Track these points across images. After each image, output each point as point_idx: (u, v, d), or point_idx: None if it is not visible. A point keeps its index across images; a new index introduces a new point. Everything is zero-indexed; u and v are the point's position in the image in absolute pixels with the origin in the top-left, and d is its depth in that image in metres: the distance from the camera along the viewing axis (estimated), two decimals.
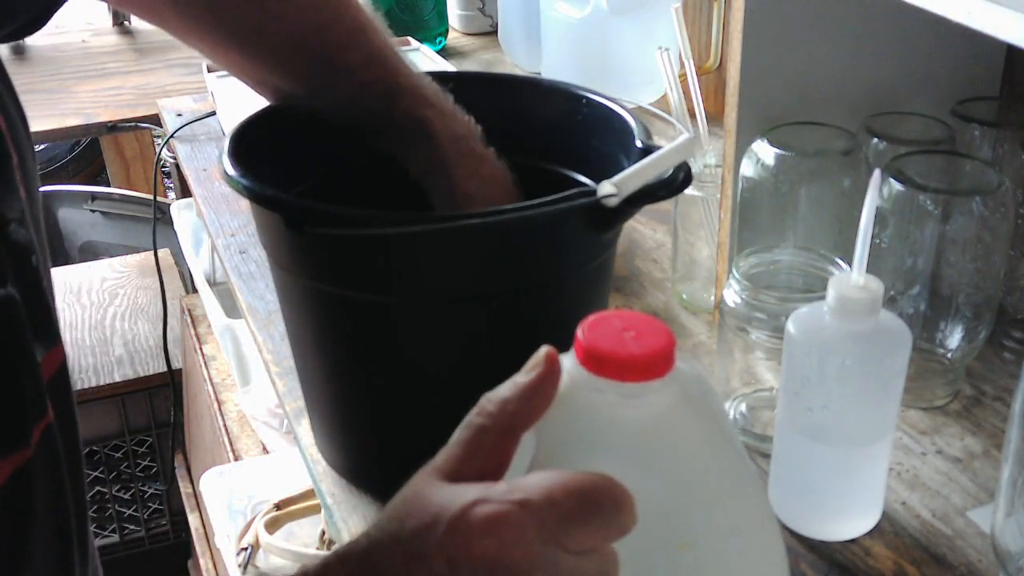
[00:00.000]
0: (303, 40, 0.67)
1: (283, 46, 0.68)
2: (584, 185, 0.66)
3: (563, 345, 0.45)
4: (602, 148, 0.71)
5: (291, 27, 0.67)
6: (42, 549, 0.45)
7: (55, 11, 0.60)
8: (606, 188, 0.57)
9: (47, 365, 0.46)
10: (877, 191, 0.59)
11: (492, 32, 1.63)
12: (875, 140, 0.82)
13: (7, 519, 0.42)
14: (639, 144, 0.66)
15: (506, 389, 0.43)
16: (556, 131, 0.74)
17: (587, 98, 0.73)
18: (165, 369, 1.80)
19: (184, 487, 1.82)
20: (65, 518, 0.47)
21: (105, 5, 2.10)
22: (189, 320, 1.78)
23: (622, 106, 0.71)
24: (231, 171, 0.63)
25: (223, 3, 0.66)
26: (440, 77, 0.71)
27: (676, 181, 0.61)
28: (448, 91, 0.70)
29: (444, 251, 0.60)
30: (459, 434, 0.43)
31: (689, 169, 0.62)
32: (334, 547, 0.46)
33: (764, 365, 0.76)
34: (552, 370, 0.43)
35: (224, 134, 1.15)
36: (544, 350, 0.44)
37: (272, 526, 1.23)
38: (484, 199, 0.68)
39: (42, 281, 0.47)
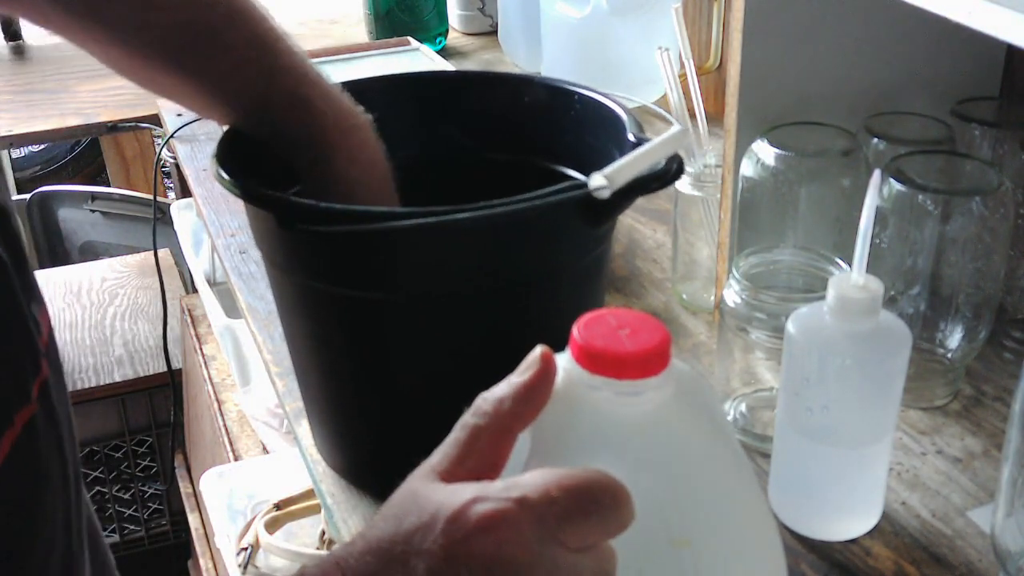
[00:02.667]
0: (182, 26, 0.66)
1: (162, 34, 0.66)
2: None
3: (559, 341, 0.45)
4: (596, 143, 0.71)
5: (169, 15, 0.65)
6: (51, 499, 0.46)
7: None
8: (597, 180, 0.56)
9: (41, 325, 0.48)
10: (877, 191, 0.59)
11: (492, 32, 1.63)
12: (875, 140, 0.82)
13: (21, 472, 0.43)
14: (632, 138, 0.66)
15: (502, 389, 0.43)
16: (550, 127, 0.74)
17: (579, 94, 0.73)
18: (165, 369, 1.80)
19: (184, 487, 1.82)
20: (67, 469, 0.48)
21: None
22: (189, 320, 1.78)
23: (614, 101, 0.71)
24: (222, 170, 0.63)
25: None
26: (437, 77, 0.71)
27: (668, 172, 0.60)
28: (444, 91, 0.69)
29: (435, 247, 0.60)
30: (455, 434, 0.43)
31: (681, 160, 0.61)
32: (333, 547, 0.46)
33: (764, 365, 0.76)
34: (547, 369, 0.43)
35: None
36: (539, 350, 0.44)
37: (272, 526, 1.23)
38: (365, 185, 0.67)
39: (23, 245, 0.48)
